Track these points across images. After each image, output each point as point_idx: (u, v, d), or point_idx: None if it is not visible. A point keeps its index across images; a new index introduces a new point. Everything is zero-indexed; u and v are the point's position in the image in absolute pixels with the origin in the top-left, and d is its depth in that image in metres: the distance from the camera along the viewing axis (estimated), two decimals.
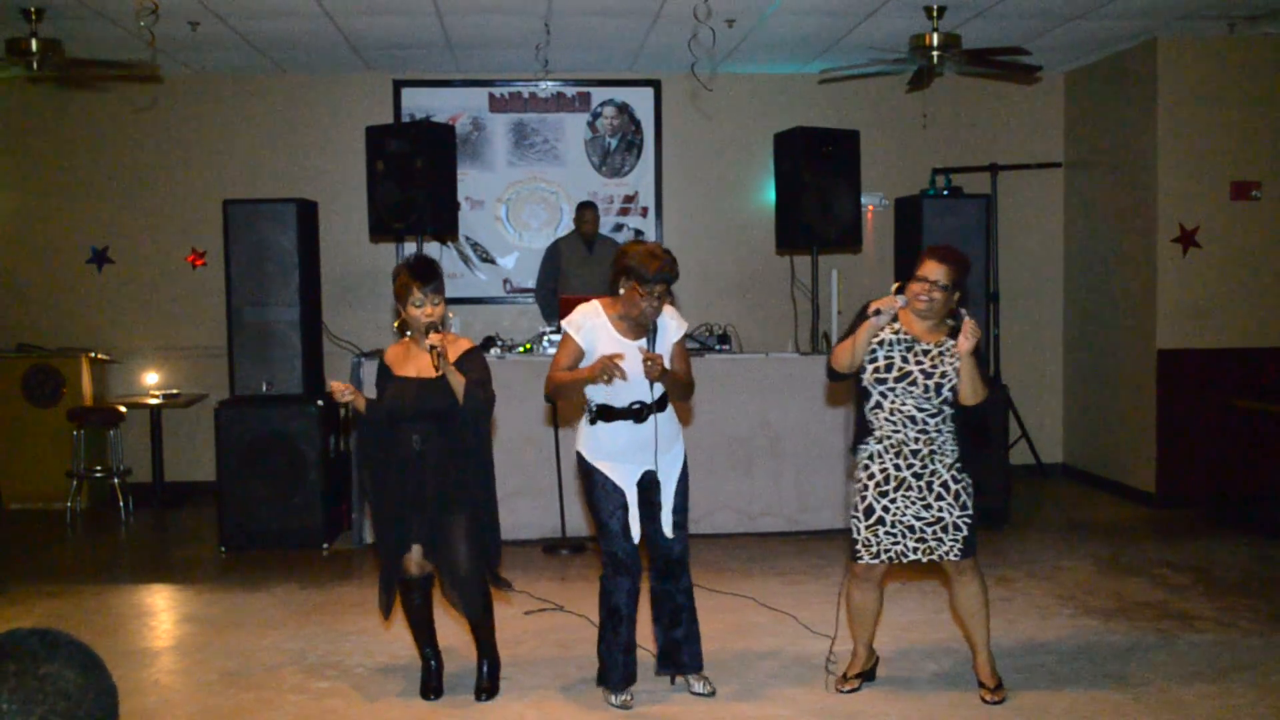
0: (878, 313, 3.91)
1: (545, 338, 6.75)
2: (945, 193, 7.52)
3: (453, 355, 4.08)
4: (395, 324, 4.25)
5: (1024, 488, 7.98)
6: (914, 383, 3.92)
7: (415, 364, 4.12)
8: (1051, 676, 4.39)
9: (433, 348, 3.94)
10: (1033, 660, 4.58)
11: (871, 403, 4.01)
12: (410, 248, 7.99)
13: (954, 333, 3.97)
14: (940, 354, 3.94)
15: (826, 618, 4.96)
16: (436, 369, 3.97)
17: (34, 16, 6.09)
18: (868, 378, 4.00)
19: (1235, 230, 7.46)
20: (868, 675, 4.35)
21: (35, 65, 6.19)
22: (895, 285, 4.07)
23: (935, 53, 6.52)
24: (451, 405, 4.03)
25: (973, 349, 3.85)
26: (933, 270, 3.93)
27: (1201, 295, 7.44)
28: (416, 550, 4.20)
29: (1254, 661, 4.55)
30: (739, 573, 5.95)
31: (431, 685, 4.30)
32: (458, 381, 4.00)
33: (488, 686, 4.27)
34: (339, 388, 4.06)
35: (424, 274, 4.06)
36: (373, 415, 4.14)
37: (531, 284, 8.35)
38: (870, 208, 8.42)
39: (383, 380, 4.20)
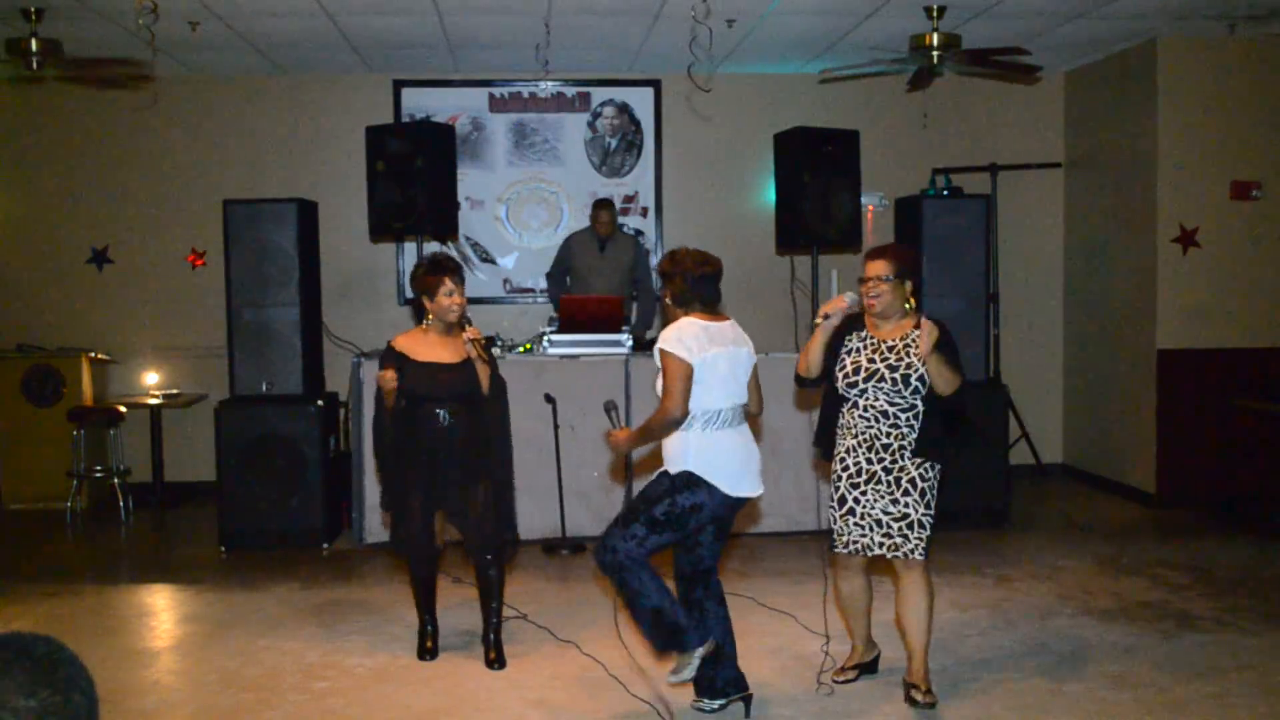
0: (826, 317, 4.08)
1: (545, 338, 6.74)
2: (945, 193, 7.52)
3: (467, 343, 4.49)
4: (428, 317, 4.54)
5: (1024, 488, 7.98)
6: (882, 379, 4.02)
7: (433, 350, 4.49)
8: (1051, 676, 4.39)
9: (474, 340, 4.40)
10: (1033, 660, 4.58)
11: (848, 404, 4.12)
12: (410, 248, 8.00)
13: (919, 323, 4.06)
14: (905, 347, 4.04)
15: (827, 618, 4.96)
16: (477, 359, 4.43)
17: (34, 16, 6.09)
18: (841, 384, 4.11)
19: (1235, 230, 7.45)
20: (868, 668, 4.39)
21: (35, 65, 6.19)
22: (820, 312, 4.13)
23: (935, 53, 6.52)
24: (474, 388, 4.47)
25: (932, 348, 3.90)
26: (872, 268, 4.11)
27: (1201, 295, 7.44)
28: (436, 520, 4.57)
29: (1254, 661, 4.55)
30: (739, 573, 5.95)
31: (429, 648, 4.65)
32: (484, 370, 4.48)
33: (495, 657, 4.57)
34: (386, 378, 4.41)
35: (453, 266, 4.50)
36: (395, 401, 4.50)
37: (531, 284, 8.42)
38: (870, 208, 8.42)
39: (396, 365, 4.46)
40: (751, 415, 4.03)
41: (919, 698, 4.09)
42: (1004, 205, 8.50)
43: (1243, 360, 7.44)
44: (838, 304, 4.08)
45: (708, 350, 3.78)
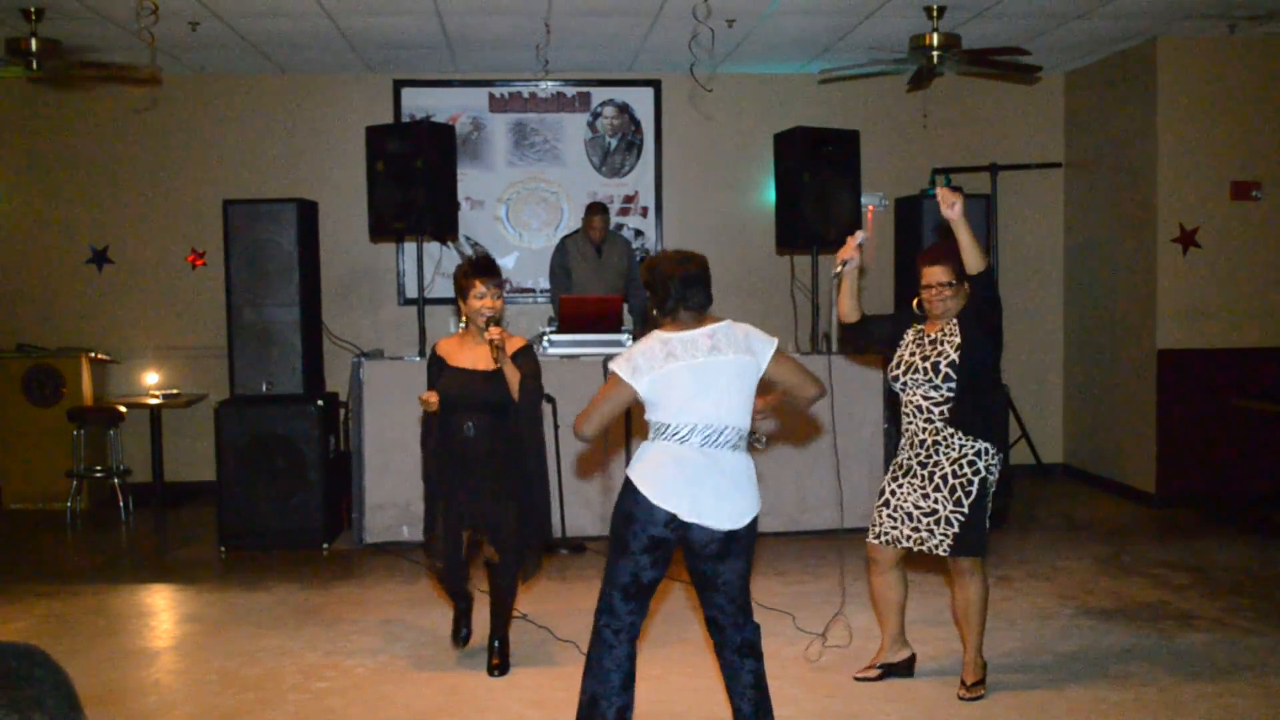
0: (844, 263, 4.07)
1: (545, 338, 6.74)
2: None
3: (509, 350, 4.34)
4: (462, 319, 4.50)
5: (1024, 488, 7.97)
6: (917, 370, 4.09)
7: (470, 356, 4.41)
8: (1051, 676, 4.39)
9: (492, 341, 4.23)
10: (1033, 660, 4.58)
11: (901, 401, 4.23)
12: (410, 248, 8.00)
13: (961, 314, 4.09)
14: (941, 336, 4.10)
15: (825, 618, 4.97)
16: (495, 361, 4.25)
17: (34, 16, 6.09)
18: (889, 376, 4.23)
19: (1235, 230, 7.45)
20: (898, 669, 4.38)
21: (35, 65, 6.19)
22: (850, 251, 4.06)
23: (935, 53, 6.52)
24: (505, 397, 4.29)
25: (961, 213, 3.91)
26: (932, 274, 4.12)
27: (1201, 295, 7.44)
28: (465, 534, 4.50)
29: (1254, 661, 4.55)
30: None
31: (463, 634, 4.65)
32: (514, 375, 4.28)
33: (498, 663, 4.48)
34: (428, 399, 4.37)
35: (487, 268, 4.42)
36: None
37: (531, 284, 8.42)
38: (870, 208, 8.42)
39: (436, 370, 4.47)
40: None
41: (960, 692, 4.17)
42: (1004, 205, 8.50)
43: (1243, 360, 7.44)
44: (849, 249, 4.05)
45: (662, 366, 3.32)
